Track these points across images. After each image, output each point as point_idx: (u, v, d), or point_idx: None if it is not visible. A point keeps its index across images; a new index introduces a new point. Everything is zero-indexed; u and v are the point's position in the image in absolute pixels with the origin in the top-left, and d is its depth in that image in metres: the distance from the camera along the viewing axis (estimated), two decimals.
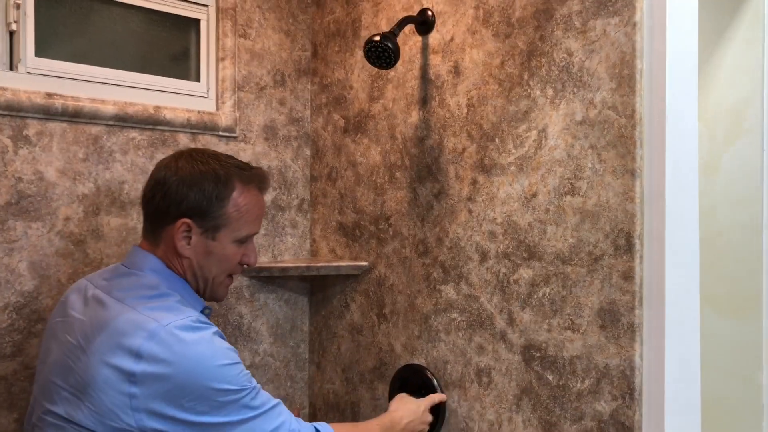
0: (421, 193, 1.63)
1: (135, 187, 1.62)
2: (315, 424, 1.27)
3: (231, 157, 1.30)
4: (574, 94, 1.31)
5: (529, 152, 1.39)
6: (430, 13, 1.59)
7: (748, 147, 1.99)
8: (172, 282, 1.23)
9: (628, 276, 1.22)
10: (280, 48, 1.93)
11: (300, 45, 1.97)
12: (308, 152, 1.99)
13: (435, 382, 1.57)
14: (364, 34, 1.80)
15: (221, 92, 1.79)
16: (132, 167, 1.63)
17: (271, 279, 1.92)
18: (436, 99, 1.59)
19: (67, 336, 1.16)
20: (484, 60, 1.48)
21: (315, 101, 1.99)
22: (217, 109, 1.80)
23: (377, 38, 1.47)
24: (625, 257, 1.23)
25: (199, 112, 1.73)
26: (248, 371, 1.16)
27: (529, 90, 1.39)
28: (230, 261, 1.28)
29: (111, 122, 1.59)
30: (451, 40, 1.55)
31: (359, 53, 1.83)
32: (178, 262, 1.24)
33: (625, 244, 1.22)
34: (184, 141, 1.72)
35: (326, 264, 1.80)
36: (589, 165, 1.28)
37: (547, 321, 1.36)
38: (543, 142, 1.36)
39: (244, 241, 1.28)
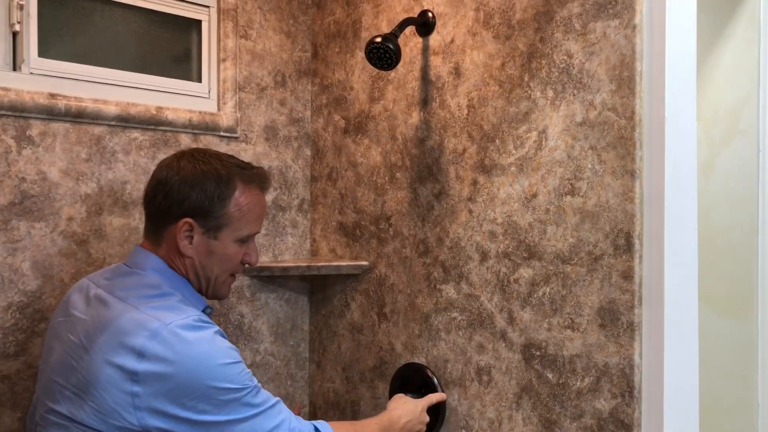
0: (421, 193, 1.65)
1: (137, 187, 1.63)
2: (314, 422, 1.27)
3: (232, 156, 1.31)
4: (574, 95, 1.32)
5: (530, 153, 1.40)
6: (430, 14, 1.60)
7: (745, 147, 2.01)
8: (173, 281, 1.24)
9: (627, 275, 1.24)
10: (281, 49, 1.94)
11: (300, 46, 1.98)
12: (308, 152, 2.00)
13: (435, 381, 1.59)
14: (365, 36, 1.81)
15: (222, 93, 1.80)
16: (134, 167, 1.64)
17: (271, 278, 1.93)
18: (437, 100, 1.60)
19: (70, 335, 1.17)
20: (485, 61, 1.49)
21: (315, 102, 2.00)
22: (219, 109, 1.81)
23: (378, 39, 1.48)
24: (624, 257, 1.24)
25: (200, 112, 1.74)
26: (249, 370, 1.17)
27: (529, 91, 1.40)
28: (232, 260, 1.28)
29: (113, 122, 1.60)
30: (452, 41, 1.56)
31: (360, 54, 1.84)
32: (180, 262, 1.25)
33: (625, 244, 1.24)
34: (185, 141, 1.72)
35: (327, 263, 1.81)
36: (589, 166, 1.29)
37: (547, 320, 1.37)
38: (543, 143, 1.38)
39: (245, 240, 1.29)
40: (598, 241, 1.28)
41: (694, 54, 1.27)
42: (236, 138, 1.83)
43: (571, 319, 1.33)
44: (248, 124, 1.86)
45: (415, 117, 1.66)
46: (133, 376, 1.07)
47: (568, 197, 1.33)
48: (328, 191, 1.94)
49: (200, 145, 1.74)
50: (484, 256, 1.49)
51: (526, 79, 1.41)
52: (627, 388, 1.24)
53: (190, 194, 1.21)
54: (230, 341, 1.19)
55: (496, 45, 1.47)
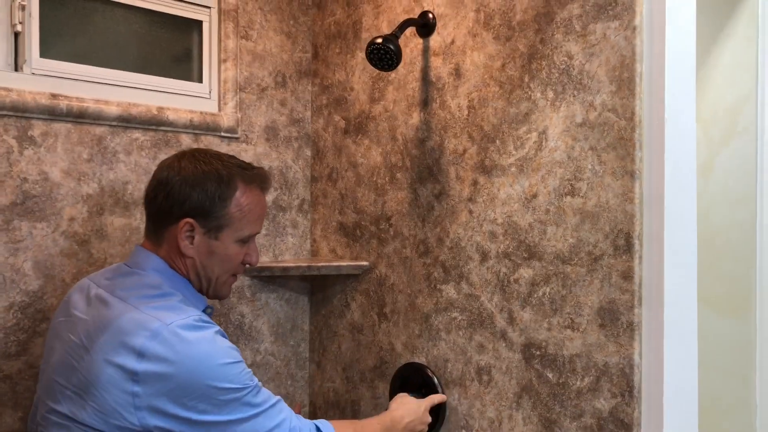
0: (421, 193, 1.65)
1: (138, 187, 1.64)
2: (316, 421, 1.27)
3: (233, 157, 1.31)
4: (574, 96, 1.33)
5: (530, 154, 1.41)
6: (431, 15, 1.61)
7: (744, 147, 2.02)
8: (174, 281, 1.24)
9: (627, 276, 1.24)
10: (281, 49, 1.94)
11: (301, 46, 1.99)
12: (309, 153, 2.01)
13: (435, 381, 1.59)
14: (365, 36, 1.82)
15: (223, 93, 1.81)
16: (135, 168, 1.65)
17: (272, 279, 1.93)
18: (437, 101, 1.61)
19: (71, 335, 1.17)
20: (485, 62, 1.50)
21: (315, 102, 2.00)
22: (219, 110, 1.81)
23: (379, 40, 1.49)
24: (624, 257, 1.25)
25: (201, 113, 1.75)
26: (249, 369, 1.17)
27: (529, 92, 1.41)
28: (233, 260, 1.29)
29: (115, 123, 1.60)
30: (452, 42, 1.57)
31: (360, 55, 1.84)
32: (181, 262, 1.25)
33: (625, 244, 1.24)
34: (186, 142, 1.73)
35: (327, 264, 1.82)
36: (589, 166, 1.30)
37: (547, 320, 1.38)
38: (543, 143, 1.38)
39: (246, 240, 1.29)
40: (598, 242, 1.29)
41: (694, 55, 1.28)
42: (237, 138, 1.84)
43: (571, 319, 1.33)
44: (249, 124, 1.87)
45: (416, 118, 1.66)
46: (134, 376, 1.07)
47: (568, 198, 1.34)
48: (328, 191, 1.95)
49: (201, 146, 1.75)
50: (484, 257, 1.50)
51: (526, 80, 1.42)
52: (627, 388, 1.24)
53: (191, 194, 1.22)
54: (231, 341, 1.19)
55: (497, 46, 1.47)
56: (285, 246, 1.95)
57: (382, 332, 1.76)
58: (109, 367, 1.08)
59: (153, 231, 1.26)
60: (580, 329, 1.32)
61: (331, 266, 1.81)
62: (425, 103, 1.64)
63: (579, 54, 1.32)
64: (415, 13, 1.65)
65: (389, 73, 1.73)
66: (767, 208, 1.98)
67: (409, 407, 1.48)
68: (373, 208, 1.79)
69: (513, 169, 1.44)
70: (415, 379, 1.63)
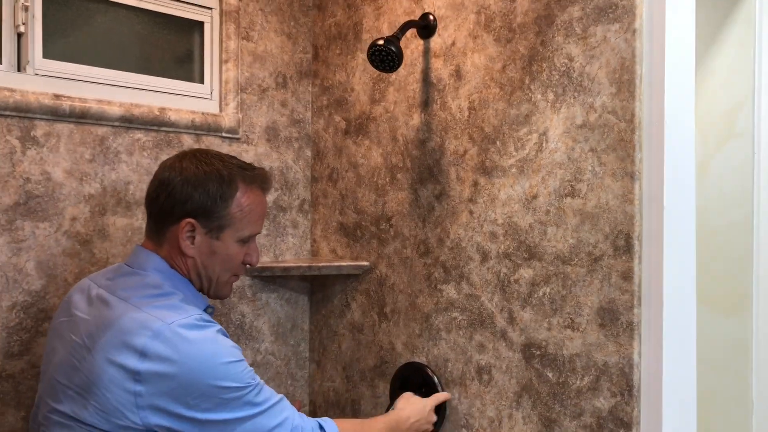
0: (422, 194, 1.66)
1: (140, 187, 1.64)
2: (319, 419, 1.27)
3: (233, 157, 1.32)
4: (574, 98, 1.34)
5: (530, 155, 1.42)
6: (431, 17, 1.62)
7: (740, 150, 2.03)
8: (175, 281, 1.25)
9: (627, 276, 1.25)
10: (282, 50, 1.95)
11: (301, 47, 1.99)
12: (309, 153, 2.01)
13: (436, 380, 1.60)
14: (366, 38, 1.83)
15: (224, 94, 1.81)
16: (137, 168, 1.65)
17: (272, 278, 1.94)
18: (438, 102, 1.62)
19: (72, 335, 1.18)
20: (486, 64, 1.51)
21: (316, 103, 2.01)
22: (221, 110, 1.82)
23: (381, 42, 1.50)
24: (624, 257, 1.26)
25: (203, 113, 1.76)
26: (251, 368, 1.17)
27: (530, 94, 1.42)
28: (233, 260, 1.29)
29: (117, 123, 1.61)
30: (453, 44, 1.58)
31: (360, 56, 1.85)
32: (182, 262, 1.26)
33: (625, 244, 1.26)
34: (188, 142, 1.74)
35: (328, 264, 1.82)
36: (589, 168, 1.31)
37: (547, 320, 1.39)
38: (544, 145, 1.39)
39: (247, 240, 1.30)
40: (598, 242, 1.30)
41: (693, 58, 1.29)
42: (238, 139, 1.85)
43: (571, 318, 1.35)
44: (250, 125, 1.87)
45: (416, 119, 1.67)
46: (136, 375, 1.07)
47: (569, 199, 1.35)
48: (328, 192, 1.96)
49: (202, 146, 1.75)
50: (484, 257, 1.51)
51: (526, 81, 1.43)
52: (626, 387, 1.26)
53: (193, 195, 1.22)
54: (231, 340, 1.20)
55: (497, 48, 1.48)
56: (285, 246, 1.96)
57: (383, 332, 1.77)
58: (111, 366, 1.08)
59: (154, 231, 1.27)
60: (580, 329, 1.33)
61: (332, 266, 1.82)
62: (426, 104, 1.65)
63: (579, 56, 1.33)
64: (416, 15, 1.66)
65: (390, 74, 1.74)
66: (764, 209, 2.00)
67: (415, 407, 1.48)
68: (374, 208, 1.80)
69: (513, 170, 1.45)
70: (415, 379, 1.64)
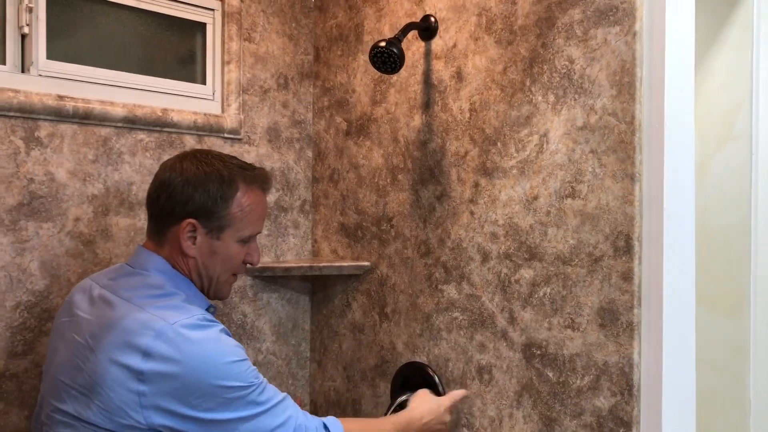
0: (423, 195, 1.67)
1: (143, 188, 1.65)
2: (324, 419, 1.27)
3: (234, 157, 1.32)
4: (575, 100, 1.35)
5: (531, 156, 1.43)
6: (433, 19, 1.63)
7: (738, 151, 2.04)
8: (177, 281, 1.25)
9: (627, 276, 1.27)
10: (284, 52, 1.96)
11: (303, 49, 2.00)
12: (310, 154, 2.02)
13: (437, 380, 1.61)
14: (367, 39, 1.84)
15: (226, 95, 1.82)
16: (140, 168, 1.66)
17: (273, 279, 1.95)
18: (439, 103, 1.63)
19: (75, 335, 1.18)
20: (487, 66, 1.52)
21: (317, 104, 2.02)
22: (223, 111, 1.83)
23: (383, 44, 1.51)
24: (624, 258, 1.27)
25: (205, 114, 1.76)
26: (255, 367, 1.17)
27: (530, 96, 1.43)
28: (234, 260, 1.30)
29: (120, 124, 1.62)
30: (454, 46, 1.59)
31: (362, 57, 1.86)
32: (184, 262, 1.26)
33: (625, 245, 1.27)
34: (190, 143, 1.74)
35: (329, 264, 1.83)
36: (590, 169, 1.32)
37: (547, 320, 1.40)
38: (544, 146, 1.40)
39: (247, 240, 1.30)
40: (598, 243, 1.31)
41: (693, 60, 1.30)
42: (239, 139, 1.85)
43: (571, 319, 1.36)
44: (251, 125, 1.88)
45: (417, 120, 1.68)
46: (139, 375, 1.08)
47: (569, 200, 1.36)
48: (329, 192, 1.97)
49: (204, 147, 1.76)
50: (485, 257, 1.52)
51: (527, 83, 1.44)
52: (626, 387, 1.27)
53: (194, 195, 1.23)
54: (234, 340, 1.20)
55: (498, 50, 1.50)
56: (287, 246, 1.97)
57: (383, 332, 1.78)
58: (115, 366, 1.09)
59: (155, 231, 1.27)
60: (581, 329, 1.34)
61: (333, 266, 1.83)
62: (427, 106, 1.66)
63: (580, 58, 1.34)
64: (417, 17, 1.67)
65: (391, 75, 1.75)
66: (761, 211, 2.01)
67: (429, 406, 1.45)
68: (375, 209, 1.81)
69: (514, 171, 1.46)
70: (416, 378, 1.65)
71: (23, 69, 1.52)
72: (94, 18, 1.65)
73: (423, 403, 1.46)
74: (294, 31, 1.98)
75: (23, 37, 1.52)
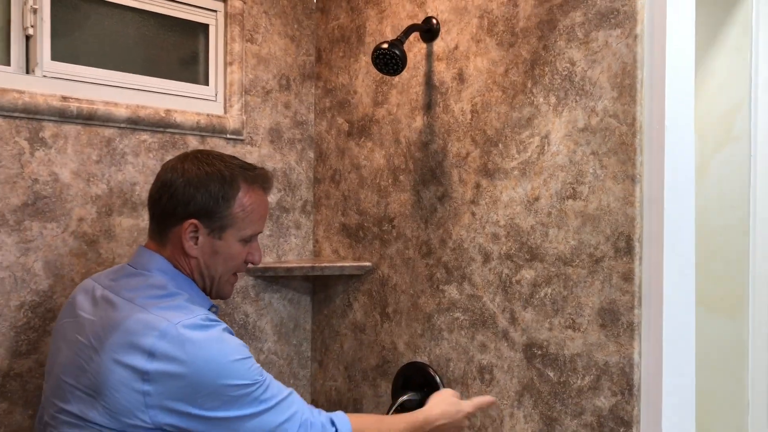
0: (424, 195, 1.68)
1: (146, 188, 1.66)
2: (331, 414, 1.25)
3: (235, 157, 1.33)
4: (576, 102, 1.36)
5: (532, 157, 1.44)
6: (434, 21, 1.64)
7: (737, 153, 2.05)
8: (179, 281, 1.25)
9: (627, 277, 1.28)
10: (286, 53, 1.97)
11: (305, 50, 2.01)
12: (312, 155, 2.03)
13: (438, 379, 1.62)
14: (369, 41, 1.85)
15: (229, 96, 1.83)
16: (143, 169, 1.67)
17: (275, 279, 1.96)
18: (441, 105, 1.64)
19: (78, 336, 1.18)
20: (488, 68, 1.53)
21: (319, 105, 2.03)
22: (225, 112, 1.84)
23: (385, 45, 1.52)
24: (625, 259, 1.28)
25: (207, 115, 1.77)
26: (258, 365, 1.18)
27: (532, 97, 1.44)
28: (236, 260, 1.30)
29: (123, 125, 1.63)
30: (456, 47, 1.60)
31: (364, 59, 1.87)
32: (186, 262, 1.26)
33: (625, 246, 1.28)
34: (193, 143, 1.75)
35: (330, 264, 1.84)
36: (591, 170, 1.33)
37: (548, 320, 1.41)
38: (546, 147, 1.41)
39: (249, 240, 1.30)
40: (599, 244, 1.32)
41: (693, 63, 1.31)
42: (242, 140, 1.86)
43: (572, 319, 1.37)
44: (253, 126, 1.89)
45: (419, 121, 1.69)
46: (144, 375, 1.08)
47: (570, 201, 1.37)
48: (331, 193, 1.98)
49: (207, 147, 1.77)
50: (486, 258, 1.53)
51: (529, 85, 1.45)
52: (626, 386, 1.28)
53: (195, 195, 1.23)
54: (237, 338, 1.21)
55: (500, 52, 1.51)
56: (288, 246, 1.98)
57: (385, 332, 1.79)
58: (119, 367, 1.09)
59: (157, 232, 1.27)
60: (581, 329, 1.35)
61: (334, 267, 1.84)
62: (428, 107, 1.67)
63: (581, 61, 1.35)
64: (419, 19, 1.68)
65: (393, 77, 1.76)
66: (760, 212, 2.02)
67: (447, 410, 1.37)
68: (376, 209, 1.82)
69: (515, 172, 1.47)
70: (417, 378, 1.66)
71: (28, 70, 1.53)
72: (98, 19, 1.66)
73: (443, 403, 1.38)
74: (296, 32, 1.99)
75: (28, 38, 1.53)
